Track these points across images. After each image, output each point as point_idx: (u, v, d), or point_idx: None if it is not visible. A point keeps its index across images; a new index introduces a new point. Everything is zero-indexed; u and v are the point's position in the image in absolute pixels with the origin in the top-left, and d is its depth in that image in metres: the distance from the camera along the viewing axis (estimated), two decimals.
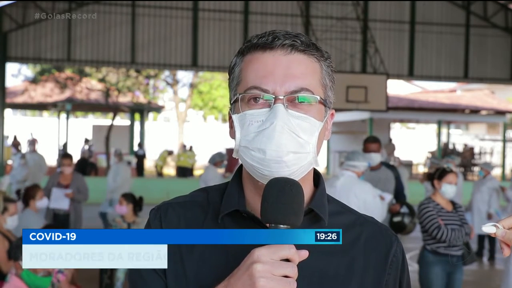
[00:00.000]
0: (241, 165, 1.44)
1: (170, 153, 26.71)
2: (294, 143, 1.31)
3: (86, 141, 26.23)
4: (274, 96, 1.32)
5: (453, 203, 6.24)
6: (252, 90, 1.34)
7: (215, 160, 10.12)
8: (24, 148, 21.82)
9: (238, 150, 1.36)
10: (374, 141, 7.34)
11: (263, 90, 1.33)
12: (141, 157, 25.26)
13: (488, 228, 1.28)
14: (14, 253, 4.48)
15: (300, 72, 1.34)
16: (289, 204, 1.23)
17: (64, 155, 9.56)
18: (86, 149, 25.49)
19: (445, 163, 9.55)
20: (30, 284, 4.29)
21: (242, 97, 1.35)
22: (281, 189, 1.24)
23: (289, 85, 1.33)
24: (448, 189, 6.07)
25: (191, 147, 26.10)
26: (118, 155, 13.21)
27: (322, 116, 1.38)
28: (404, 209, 7.28)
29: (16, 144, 15.23)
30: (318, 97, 1.35)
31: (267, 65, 1.34)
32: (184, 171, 24.72)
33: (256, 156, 1.31)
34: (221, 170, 10.06)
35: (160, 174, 25.55)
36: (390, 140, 27.84)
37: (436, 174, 6.19)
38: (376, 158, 7.17)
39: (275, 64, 1.34)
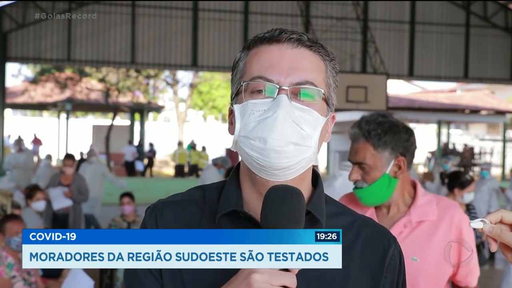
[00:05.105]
0: (239, 163, 1.42)
1: (180, 144, 26.36)
2: (297, 134, 1.29)
3: (130, 142, 25.72)
4: (278, 86, 1.31)
5: (466, 205, 6.27)
6: (256, 80, 1.32)
7: (217, 161, 10.13)
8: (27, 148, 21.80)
9: (237, 141, 1.33)
10: None
11: (268, 80, 1.31)
12: (151, 157, 25.06)
13: (476, 224, 1.28)
14: None
15: (305, 66, 1.33)
16: (290, 213, 1.20)
17: (67, 155, 9.60)
18: (134, 151, 24.83)
19: (442, 163, 9.53)
20: None
21: (246, 87, 1.33)
22: (282, 198, 1.21)
23: (294, 77, 1.32)
24: (468, 198, 6.19)
25: (204, 148, 25.96)
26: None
27: (325, 113, 1.36)
28: None
29: (19, 144, 15.32)
30: (322, 90, 1.34)
31: (273, 56, 1.33)
32: (196, 169, 24.66)
33: (256, 145, 1.29)
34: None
35: (181, 172, 24.92)
36: None
37: (457, 183, 6.20)
38: None
39: (281, 56, 1.33)
